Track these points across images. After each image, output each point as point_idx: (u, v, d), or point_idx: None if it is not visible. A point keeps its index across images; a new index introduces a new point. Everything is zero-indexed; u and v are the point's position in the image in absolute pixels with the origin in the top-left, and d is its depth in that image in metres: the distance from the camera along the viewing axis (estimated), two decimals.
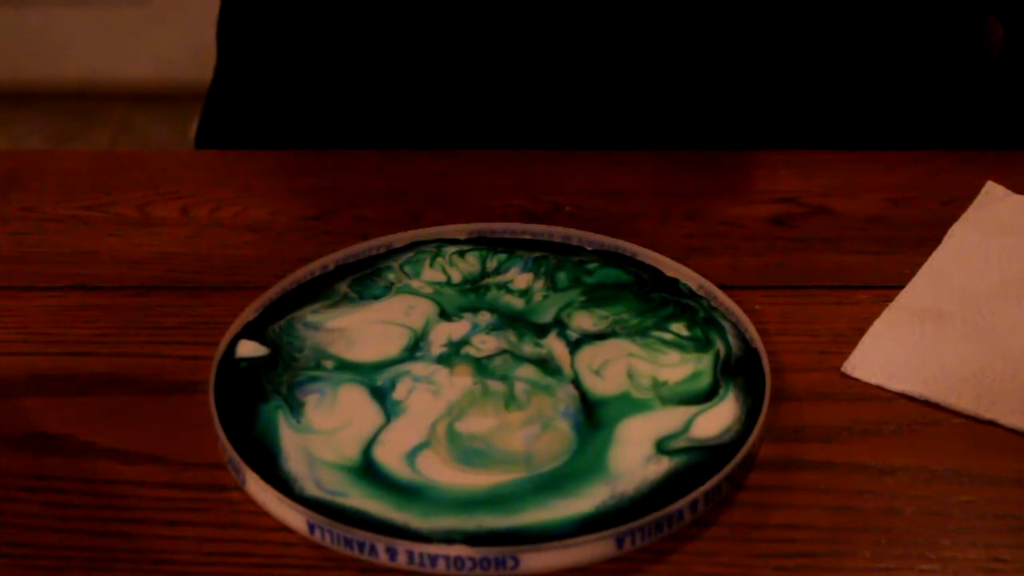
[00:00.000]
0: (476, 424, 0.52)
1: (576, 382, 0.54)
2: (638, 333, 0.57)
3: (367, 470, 0.50)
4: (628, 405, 0.53)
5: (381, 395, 0.54)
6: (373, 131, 0.79)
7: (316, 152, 0.74)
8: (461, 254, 0.62)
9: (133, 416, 0.55)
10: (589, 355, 0.56)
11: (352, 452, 0.51)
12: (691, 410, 0.53)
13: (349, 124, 0.79)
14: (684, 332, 0.57)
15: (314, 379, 0.55)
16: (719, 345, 0.56)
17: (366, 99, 0.79)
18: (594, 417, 0.53)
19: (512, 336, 0.57)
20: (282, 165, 0.73)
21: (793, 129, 0.76)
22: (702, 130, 0.77)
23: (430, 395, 0.54)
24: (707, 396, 0.54)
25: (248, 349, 0.57)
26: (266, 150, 0.75)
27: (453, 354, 0.56)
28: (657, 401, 0.53)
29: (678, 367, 0.55)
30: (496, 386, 0.54)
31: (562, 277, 0.61)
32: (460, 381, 0.55)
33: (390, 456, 0.51)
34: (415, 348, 0.56)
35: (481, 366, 0.55)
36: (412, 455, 0.51)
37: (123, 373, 0.57)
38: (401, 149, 0.73)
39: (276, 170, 0.73)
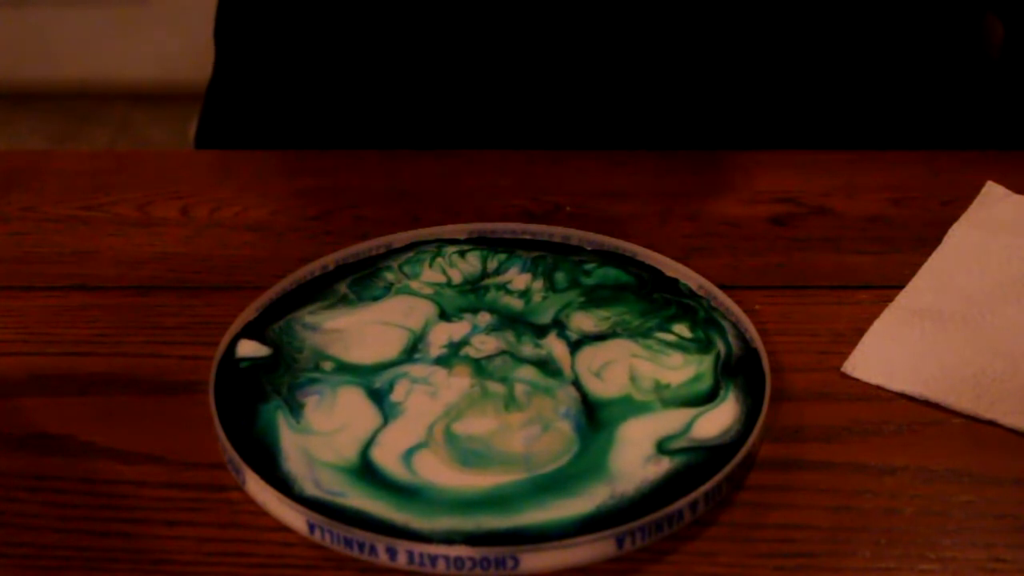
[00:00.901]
0: (475, 425, 0.52)
1: (577, 384, 0.54)
2: (640, 334, 0.57)
3: (365, 471, 0.50)
4: (630, 407, 0.53)
5: (379, 397, 0.54)
6: (373, 131, 0.79)
7: (316, 152, 0.74)
8: (461, 254, 0.62)
9: (133, 416, 0.55)
10: (589, 356, 0.56)
11: (350, 453, 0.51)
12: (692, 411, 0.53)
13: (349, 124, 0.79)
14: (687, 334, 0.57)
15: (313, 380, 0.55)
16: (719, 345, 0.56)
17: (366, 99, 0.78)
18: (595, 419, 0.53)
19: (511, 337, 0.57)
20: (282, 165, 0.73)
21: (793, 129, 0.76)
22: (702, 130, 0.77)
23: (428, 397, 0.54)
24: (708, 398, 0.54)
25: (248, 349, 0.57)
26: (266, 150, 0.75)
27: (452, 355, 0.56)
28: (659, 403, 0.53)
29: (680, 369, 0.55)
30: (496, 387, 0.54)
31: (561, 278, 0.61)
32: (458, 382, 0.55)
33: (387, 457, 0.51)
34: (413, 350, 0.56)
35: (480, 367, 0.55)
36: (408, 456, 0.51)
37: (123, 373, 0.57)
38: (401, 149, 0.73)
39: (276, 170, 0.73)
